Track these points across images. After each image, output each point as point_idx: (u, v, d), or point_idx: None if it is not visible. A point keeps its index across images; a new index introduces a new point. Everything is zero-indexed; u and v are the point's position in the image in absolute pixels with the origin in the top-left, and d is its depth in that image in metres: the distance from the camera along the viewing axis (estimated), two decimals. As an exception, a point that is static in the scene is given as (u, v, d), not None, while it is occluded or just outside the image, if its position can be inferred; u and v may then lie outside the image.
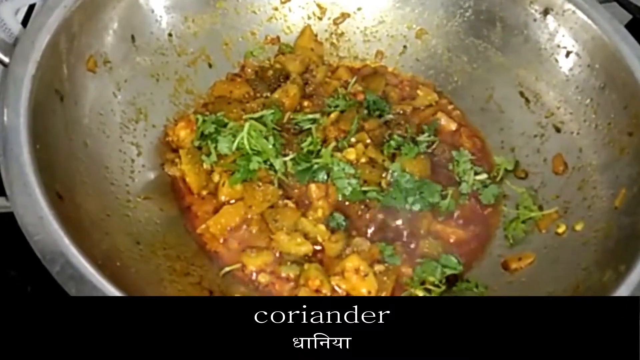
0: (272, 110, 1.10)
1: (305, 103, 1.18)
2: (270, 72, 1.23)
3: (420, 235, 1.04)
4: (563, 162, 1.09)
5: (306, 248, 0.99)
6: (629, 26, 1.28)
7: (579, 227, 0.98)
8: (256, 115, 1.09)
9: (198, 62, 1.18)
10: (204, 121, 1.07)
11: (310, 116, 1.13)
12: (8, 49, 0.90)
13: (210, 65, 1.20)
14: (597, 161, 1.04)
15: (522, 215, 1.06)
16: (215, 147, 1.03)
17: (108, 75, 1.02)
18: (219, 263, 0.98)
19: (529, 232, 1.05)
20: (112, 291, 0.70)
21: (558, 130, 1.11)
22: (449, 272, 1.00)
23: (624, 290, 0.78)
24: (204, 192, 1.05)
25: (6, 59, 0.89)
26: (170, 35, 1.14)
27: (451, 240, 1.06)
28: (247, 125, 1.04)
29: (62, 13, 0.93)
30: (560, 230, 1.01)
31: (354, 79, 1.23)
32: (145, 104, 1.08)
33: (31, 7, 1.09)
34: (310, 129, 1.11)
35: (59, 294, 1.00)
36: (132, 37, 1.07)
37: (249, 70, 1.24)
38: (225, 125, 1.07)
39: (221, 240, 1.00)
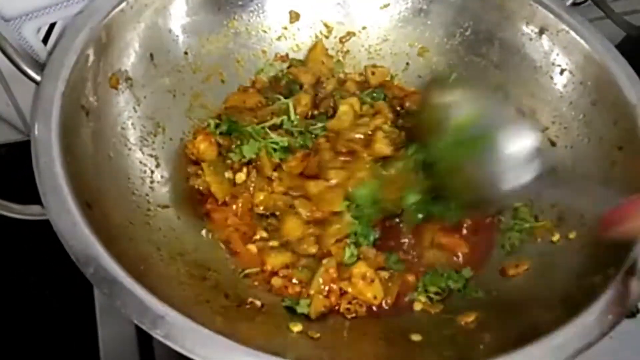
0: (285, 117, 1.15)
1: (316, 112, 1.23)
2: (283, 82, 1.28)
3: (424, 246, 1.09)
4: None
5: (315, 249, 1.04)
6: (622, 43, 1.33)
7: (572, 236, 1.03)
8: (269, 123, 1.14)
9: (212, 79, 1.24)
10: (217, 125, 1.13)
11: (321, 124, 1.18)
12: (38, 67, 0.96)
13: (223, 82, 1.25)
14: (589, 173, 1.08)
15: (518, 226, 1.10)
16: (239, 145, 1.10)
17: (129, 92, 1.07)
18: (235, 267, 1.03)
19: (524, 240, 1.09)
20: (141, 292, 0.75)
21: (553, 144, 1.16)
22: (452, 285, 1.05)
23: (612, 292, 0.83)
24: (227, 198, 1.10)
25: (38, 78, 0.94)
26: (186, 53, 1.19)
27: (455, 251, 1.10)
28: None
29: (88, 34, 0.99)
30: (554, 238, 1.05)
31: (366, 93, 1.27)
32: (163, 118, 1.13)
33: (51, 26, 1.13)
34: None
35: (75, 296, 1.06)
36: (151, 55, 1.12)
37: (259, 85, 1.28)
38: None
39: (238, 246, 1.05)
